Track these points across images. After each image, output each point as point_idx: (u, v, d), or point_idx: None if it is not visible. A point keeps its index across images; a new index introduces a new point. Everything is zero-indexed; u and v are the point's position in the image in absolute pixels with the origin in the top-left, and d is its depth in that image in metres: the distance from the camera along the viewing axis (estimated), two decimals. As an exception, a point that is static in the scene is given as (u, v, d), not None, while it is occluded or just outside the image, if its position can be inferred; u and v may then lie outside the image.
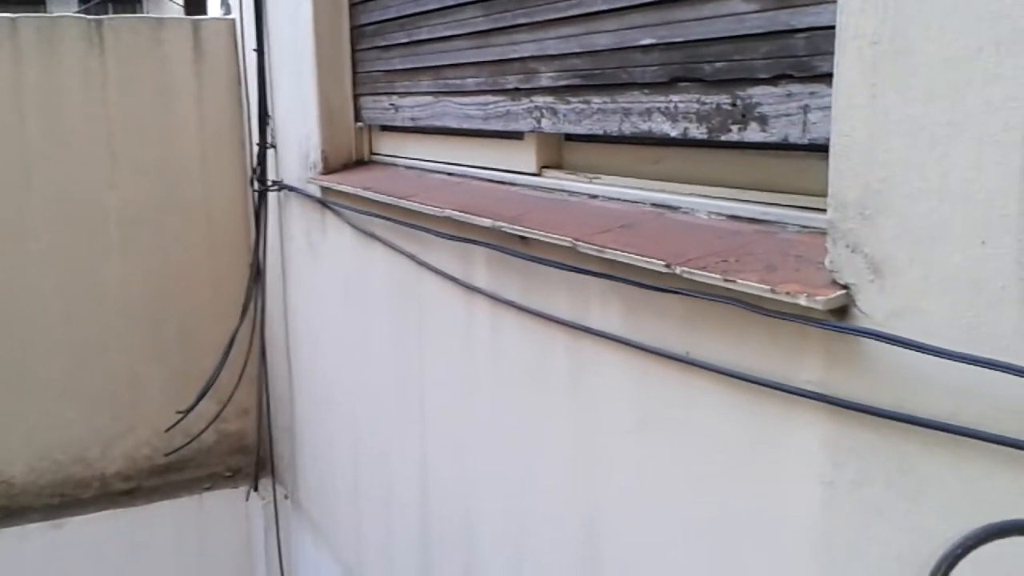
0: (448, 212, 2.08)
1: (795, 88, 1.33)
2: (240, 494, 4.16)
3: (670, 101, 1.61)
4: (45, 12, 4.13)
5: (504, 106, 2.16)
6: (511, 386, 2.02)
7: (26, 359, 3.83)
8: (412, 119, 2.63)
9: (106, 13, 3.84)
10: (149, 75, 3.92)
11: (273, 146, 3.49)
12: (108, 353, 3.96)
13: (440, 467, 2.44)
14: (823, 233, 1.20)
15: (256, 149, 3.54)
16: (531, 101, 2.04)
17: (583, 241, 1.61)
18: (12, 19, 3.71)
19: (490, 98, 2.22)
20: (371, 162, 3.04)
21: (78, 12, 3.92)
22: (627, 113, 1.72)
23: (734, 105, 1.46)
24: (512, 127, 2.14)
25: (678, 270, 1.37)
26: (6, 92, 3.70)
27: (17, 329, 3.80)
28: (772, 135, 1.39)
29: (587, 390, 1.74)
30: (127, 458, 4.09)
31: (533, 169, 2.13)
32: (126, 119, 3.90)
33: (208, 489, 4.17)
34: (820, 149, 1.24)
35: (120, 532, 3.99)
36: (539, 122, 2.02)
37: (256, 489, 4.13)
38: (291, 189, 3.36)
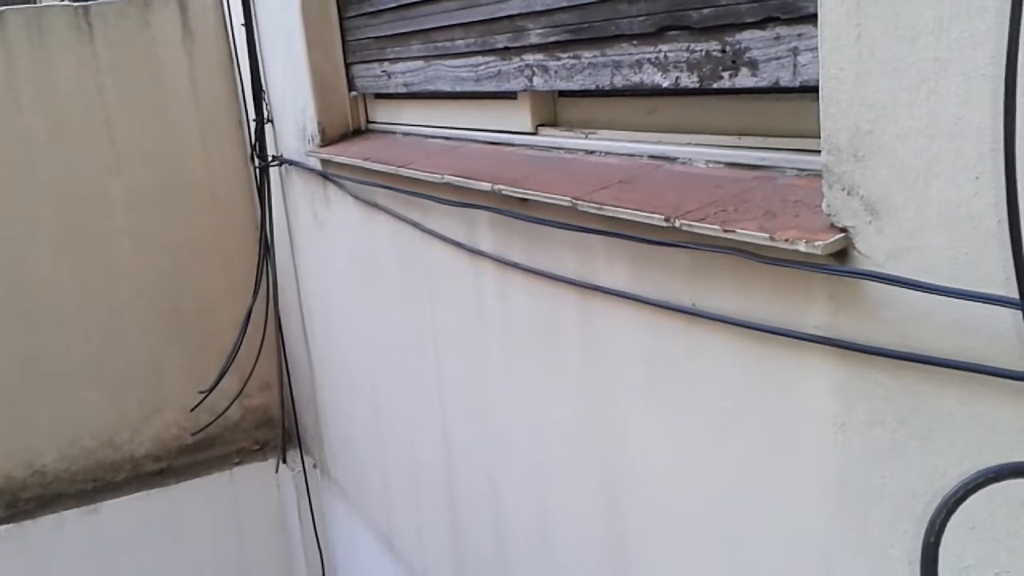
0: (447, 178, 2.08)
1: (783, 31, 1.32)
2: (270, 466, 4.23)
3: (659, 51, 1.60)
4: (33, 3, 4.10)
5: (495, 66, 2.14)
6: (523, 346, 2.04)
7: (48, 350, 3.88)
8: (405, 85, 2.62)
9: (93, -2, 3.82)
10: (140, 58, 3.91)
11: (270, 121, 3.48)
12: (128, 338, 4.00)
13: (460, 429, 2.47)
14: (820, 175, 1.19)
15: (253, 125, 3.52)
16: (522, 59, 2.02)
17: (582, 200, 1.61)
18: (-1, 12, 3.70)
19: (481, 59, 2.20)
20: (368, 131, 3.03)
21: (65, 1, 3.88)
22: (618, 66, 1.71)
23: (723, 52, 1.45)
24: (505, 87, 2.12)
25: (678, 223, 1.37)
26: (1, 87, 3.70)
27: (37, 321, 3.84)
28: (763, 80, 1.37)
29: (598, 346, 1.75)
30: (156, 439, 4.15)
31: (529, 128, 2.12)
32: (122, 104, 3.90)
33: (238, 464, 4.23)
34: (812, 91, 1.23)
35: (155, 512, 4.07)
36: (531, 80, 2.01)
37: (284, 460, 4.20)
38: (292, 163, 3.36)
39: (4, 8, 3.73)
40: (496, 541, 2.35)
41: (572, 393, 1.87)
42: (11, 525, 3.84)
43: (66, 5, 3.94)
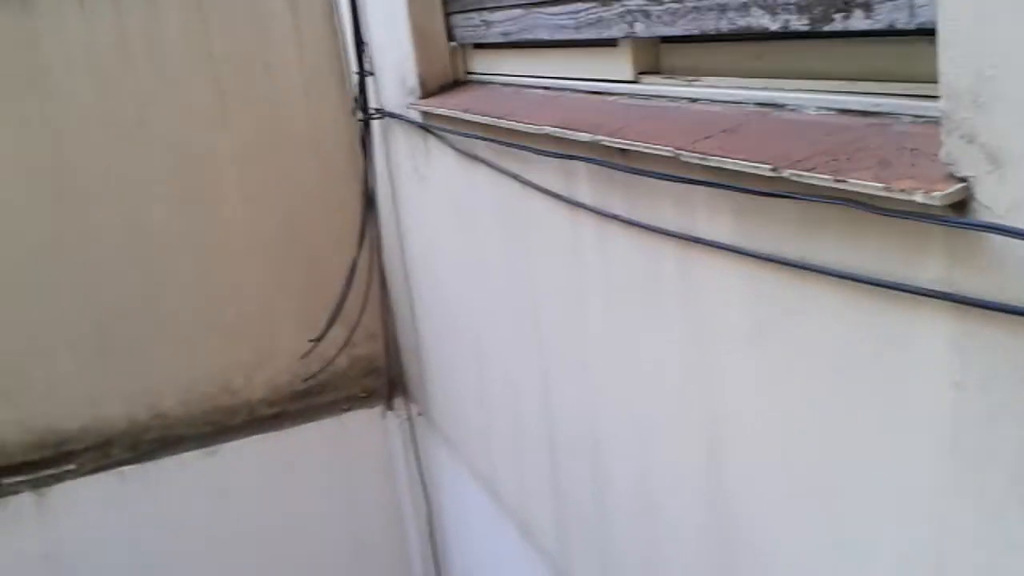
0: (547, 129, 2.06)
1: (900, -31, 1.24)
2: (376, 413, 4.34)
3: (767, -8, 1.53)
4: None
5: (595, 13, 2.09)
6: (622, 299, 2.02)
7: (167, 300, 4.05)
8: (504, 34, 2.59)
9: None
10: (246, 13, 3.98)
11: (371, 73, 3.51)
12: (241, 288, 4.14)
13: (560, 381, 2.48)
14: (938, 123, 1.13)
15: (355, 78, 3.56)
16: (623, 5, 1.97)
17: (685, 150, 1.57)
18: (109, -30, 3.81)
19: (580, 5, 2.16)
20: (467, 82, 3.02)
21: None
22: (723, 9, 1.65)
23: (835, -8, 1.38)
24: (605, 34, 2.08)
25: (786, 173, 1.33)
26: (113, 43, 3.82)
27: (155, 272, 4.02)
28: (878, 22, 1.30)
29: (700, 300, 1.72)
30: (270, 385, 4.31)
31: (630, 76, 2.08)
32: (229, 59, 3.98)
33: (347, 410, 4.36)
34: (930, 33, 1.16)
35: (270, 454, 4.23)
36: (632, 26, 1.96)
37: (391, 408, 4.31)
38: (393, 116, 3.38)
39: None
40: (597, 494, 2.36)
41: (673, 347, 1.85)
42: (135, 466, 4.06)
43: (175, -38, 4.03)
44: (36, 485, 3.94)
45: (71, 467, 4.02)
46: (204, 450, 4.15)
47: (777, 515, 1.63)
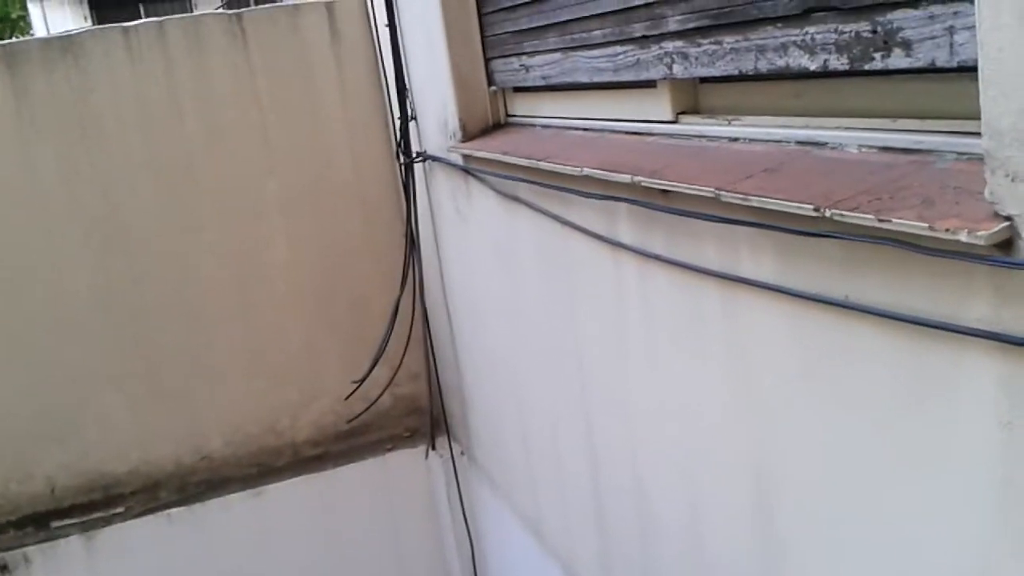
0: (587, 170, 2.08)
1: (937, 9, 1.25)
2: (419, 453, 4.35)
3: (806, 33, 1.54)
4: (190, 11, 4.31)
5: (634, 55, 2.12)
6: (665, 339, 2.02)
7: (213, 343, 4.12)
8: (543, 78, 2.63)
9: (247, 5, 4.03)
10: (291, 62, 4.08)
11: (414, 118, 3.57)
12: (285, 331, 4.20)
13: (603, 421, 2.47)
14: (982, 159, 1.12)
15: (398, 123, 3.62)
16: (661, 47, 2.00)
17: (726, 190, 1.57)
18: (159, 23, 3.93)
19: (619, 48, 2.18)
20: (507, 124, 3.06)
21: (219, 8, 4.06)
22: (762, 50, 1.66)
23: (874, 32, 1.38)
24: (643, 76, 2.10)
25: (828, 213, 1.33)
26: (163, 93, 3.93)
27: (203, 316, 4.09)
28: (918, 60, 1.31)
29: (744, 339, 1.71)
30: (314, 426, 4.34)
31: (669, 117, 2.09)
32: (275, 107, 4.07)
33: (390, 450, 4.38)
34: (971, 70, 1.16)
35: (314, 495, 4.25)
36: (671, 68, 1.98)
37: (434, 447, 4.31)
38: (435, 159, 3.43)
39: (164, 19, 3.97)
40: (642, 535, 2.34)
41: (718, 387, 1.84)
42: (182, 508, 4.10)
43: (221, 13, 4.15)
44: (85, 528, 4.00)
45: (120, 510, 4.08)
46: (249, 491, 4.18)
47: (826, 556, 1.60)
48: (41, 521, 4.00)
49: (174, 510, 4.09)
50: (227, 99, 4.01)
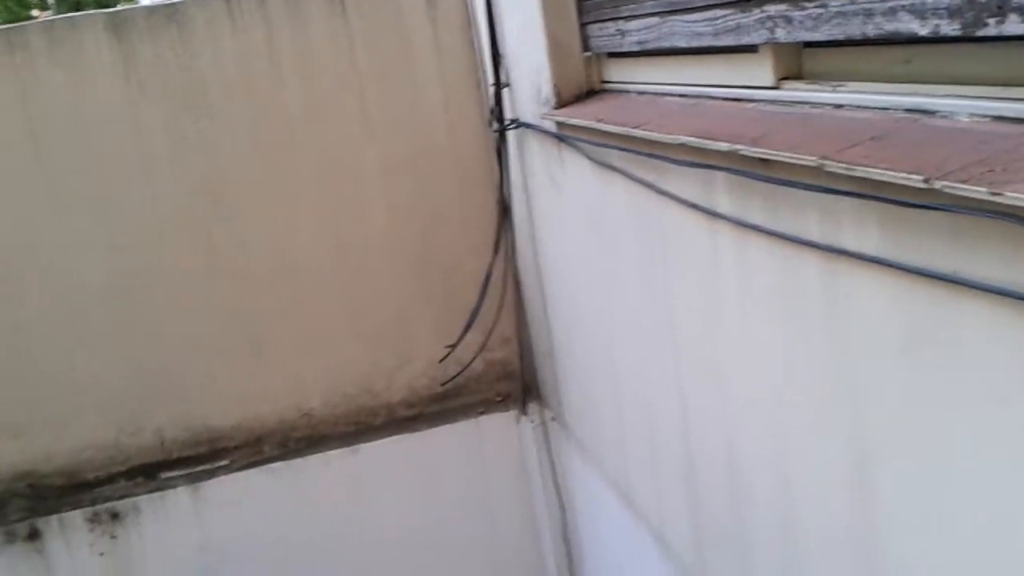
0: (683, 138, 2.05)
1: (1063, -30, 1.18)
2: (511, 417, 4.40)
3: (916, -3, 1.48)
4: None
5: (734, 19, 2.07)
6: (762, 311, 1.99)
7: (312, 307, 4.23)
8: (639, 43, 2.59)
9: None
10: (388, 28, 4.11)
11: (507, 85, 3.57)
12: (382, 295, 4.28)
13: (696, 391, 2.46)
14: (1108, 131, 1.07)
15: (491, 89, 3.62)
16: (763, 11, 1.94)
17: (830, 159, 1.54)
18: (260, -9, 4.00)
19: (718, 12, 2.13)
20: (602, 91, 3.03)
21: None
22: (869, 14, 1.60)
23: (990, -5, 1.32)
24: (744, 40, 2.05)
25: (938, 185, 1.28)
26: (264, 61, 4.02)
27: (303, 279, 4.20)
28: (1037, 25, 1.24)
29: (844, 313, 1.68)
30: (408, 388, 4.43)
31: (770, 82, 2.04)
32: (373, 73, 4.12)
33: (482, 413, 4.44)
34: (1099, 36, 1.10)
35: (408, 454, 4.35)
36: (773, 32, 1.93)
37: (525, 412, 4.36)
38: (528, 126, 3.43)
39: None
40: (734, 506, 2.33)
41: (815, 360, 1.81)
42: (283, 462, 4.25)
43: (320, -19, 4.20)
44: (192, 479, 4.19)
45: (224, 463, 4.25)
46: (347, 448, 4.31)
47: (927, 535, 1.57)
48: (151, 472, 4.20)
49: (276, 464, 4.24)
50: (326, 66, 4.07)
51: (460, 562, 4.45)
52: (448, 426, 4.39)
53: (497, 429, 4.41)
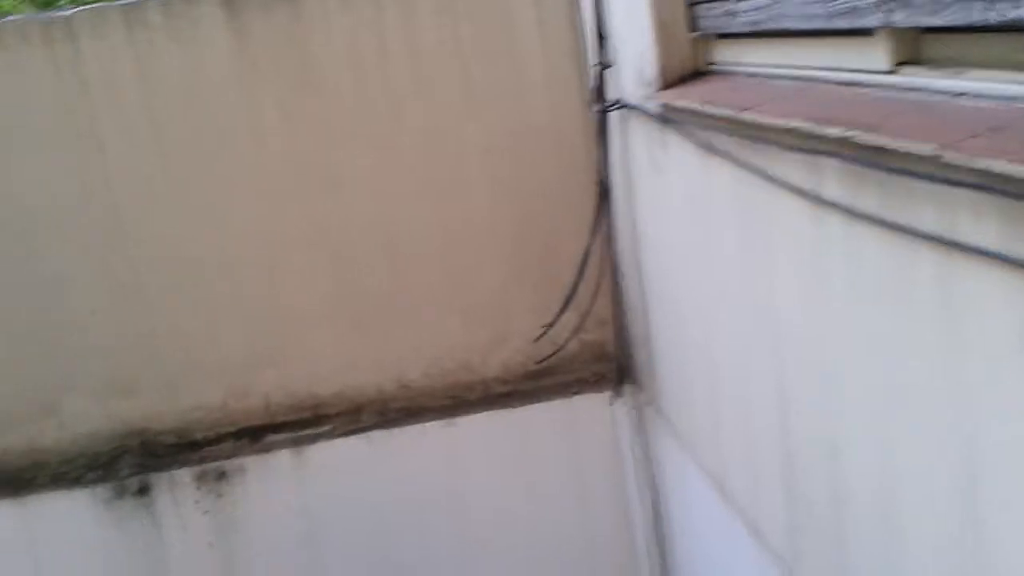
0: (793, 123, 2.00)
1: None
2: (604, 399, 4.40)
3: (1048, -19, 1.41)
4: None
5: (850, 1, 2.01)
6: (870, 303, 1.93)
7: (413, 282, 4.31)
8: (751, 23, 2.53)
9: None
10: (492, 6, 4.12)
11: (610, 65, 3.54)
12: (481, 272, 4.33)
13: (796, 383, 2.41)
14: None
15: (594, 69, 3.60)
16: (880, -7, 1.88)
17: (949, 149, 1.48)
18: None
19: (833, -7, 2.07)
20: (708, 72, 2.98)
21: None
22: (991, 0, 1.53)
23: None
24: (859, 23, 1.99)
25: (1064, 180, 1.23)
26: (372, 38, 4.09)
27: (404, 255, 4.28)
28: None
29: (958, 308, 1.62)
30: (503, 365, 4.47)
31: (886, 67, 1.97)
32: (476, 52, 4.14)
33: (576, 393, 4.45)
34: None
35: (502, 429, 4.40)
36: (890, 16, 1.86)
37: (619, 395, 4.35)
38: (630, 107, 3.40)
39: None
40: (833, 501, 2.28)
41: (924, 356, 1.76)
42: (381, 431, 4.36)
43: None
44: (295, 443, 4.33)
45: (326, 428, 4.39)
46: (443, 421, 4.38)
47: (1038, 544, 1.51)
48: (256, 435, 4.36)
49: (374, 432, 4.35)
50: (432, 44, 4.11)
51: (551, 540, 4.49)
52: (542, 404, 4.42)
53: (590, 410, 4.42)
